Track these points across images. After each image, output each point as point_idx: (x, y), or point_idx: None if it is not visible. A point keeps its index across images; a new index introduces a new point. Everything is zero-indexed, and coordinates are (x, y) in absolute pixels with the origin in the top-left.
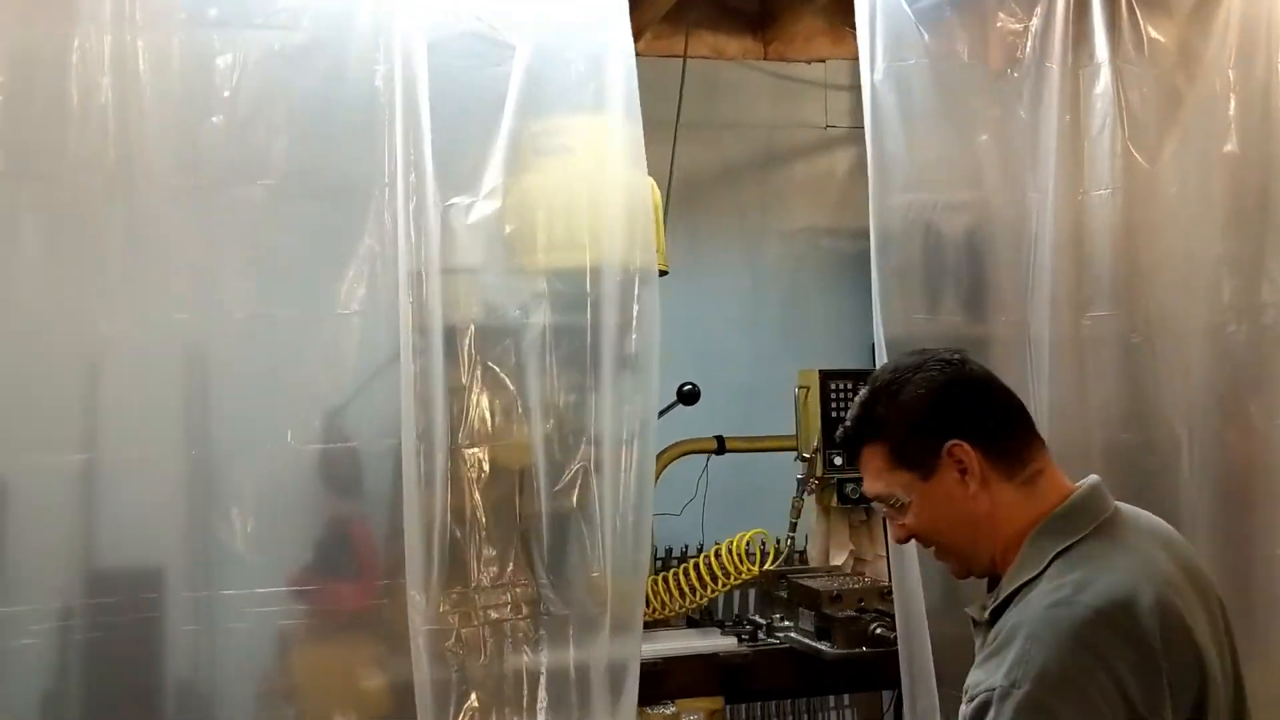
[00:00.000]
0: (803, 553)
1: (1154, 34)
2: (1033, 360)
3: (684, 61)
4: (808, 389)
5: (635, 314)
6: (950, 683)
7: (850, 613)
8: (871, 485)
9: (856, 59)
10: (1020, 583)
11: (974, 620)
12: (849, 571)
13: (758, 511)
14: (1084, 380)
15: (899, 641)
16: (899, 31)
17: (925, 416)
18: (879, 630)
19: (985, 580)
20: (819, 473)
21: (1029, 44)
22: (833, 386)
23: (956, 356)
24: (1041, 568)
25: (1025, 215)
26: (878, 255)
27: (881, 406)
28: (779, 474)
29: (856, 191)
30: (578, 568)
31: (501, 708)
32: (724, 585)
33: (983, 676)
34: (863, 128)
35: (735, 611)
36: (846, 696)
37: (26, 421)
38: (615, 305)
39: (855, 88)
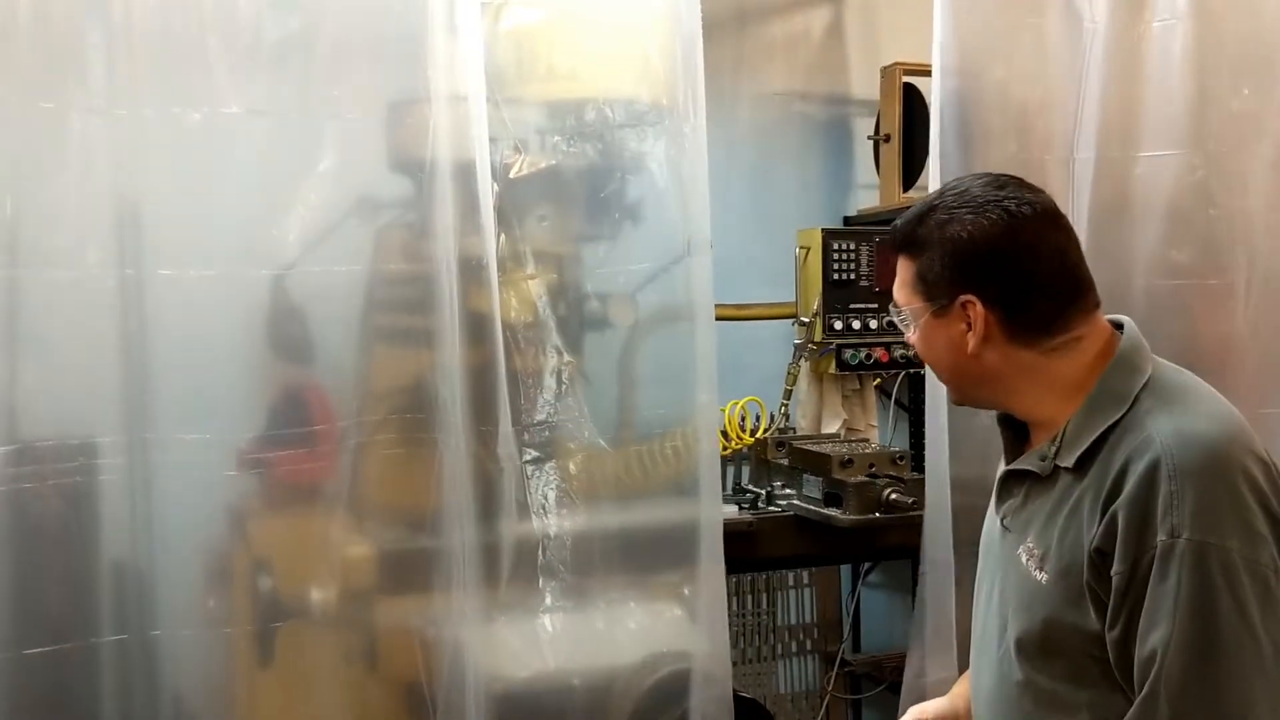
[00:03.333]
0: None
1: None
2: (1074, 195)
3: None
4: (808, 249)
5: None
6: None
7: (862, 478)
8: (896, 291)
9: None
10: (1106, 426)
11: (1020, 475)
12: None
13: (736, 383)
14: (1132, 221)
15: (927, 506)
16: None
17: (957, 260)
18: (894, 496)
19: (1006, 441)
20: (818, 338)
21: None
22: (835, 247)
23: (1025, 209)
24: (1126, 406)
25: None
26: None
27: (927, 228)
28: (755, 345)
29: (831, 55)
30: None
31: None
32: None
33: (1098, 538)
34: None
35: (729, 482)
36: (805, 574)
37: None
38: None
39: None
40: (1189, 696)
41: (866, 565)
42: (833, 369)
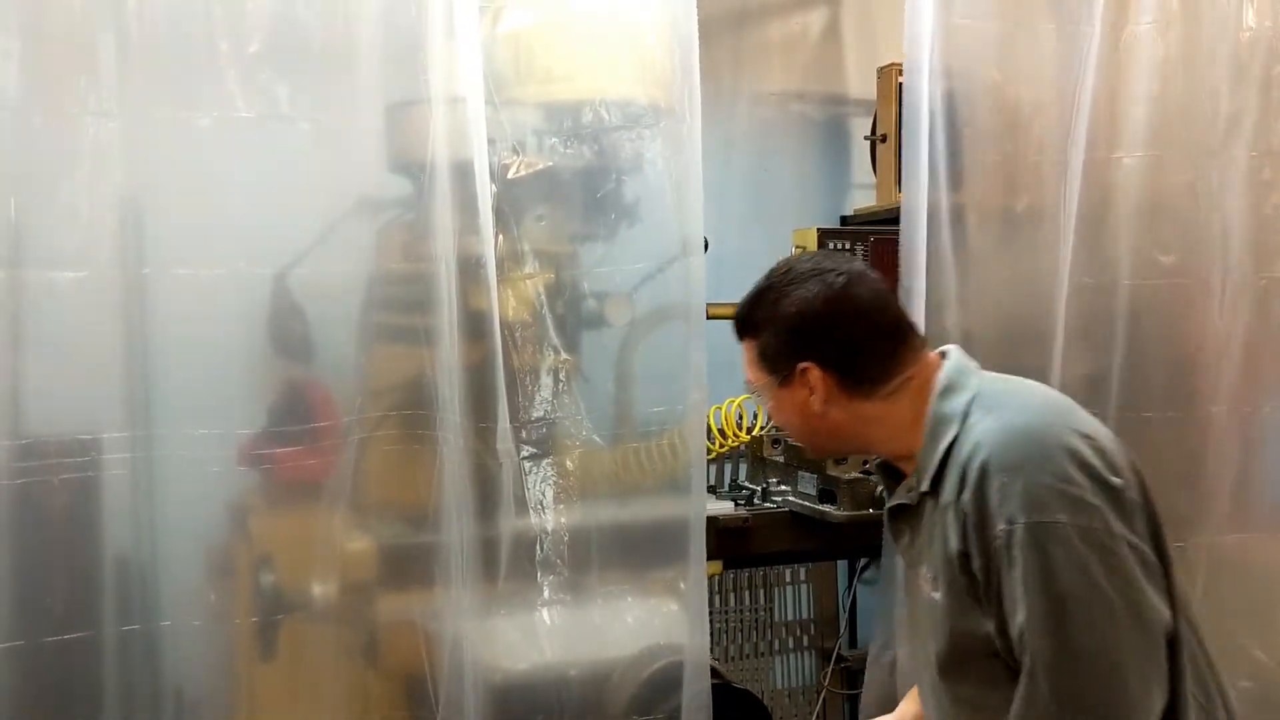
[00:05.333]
0: None
1: None
2: (1066, 198)
3: None
4: (803, 249)
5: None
6: None
7: (855, 474)
8: (746, 371)
9: None
10: (946, 445)
11: (900, 510)
12: None
13: (732, 381)
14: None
15: None
16: None
17: (789, 334)
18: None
19: (881, 483)
20: None
21: None
22: (831, 246)
23: (841, 278)
24: (959, 424)
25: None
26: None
27: (760, 311)
28: None
29: (828, 55)
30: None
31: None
32: (714, 453)
33: (956, 542)
34: None
35: (727, 479)
36: (802, 570)
37: None
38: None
39: None
40: (1059, 668)
41: (863, 561)
42: None
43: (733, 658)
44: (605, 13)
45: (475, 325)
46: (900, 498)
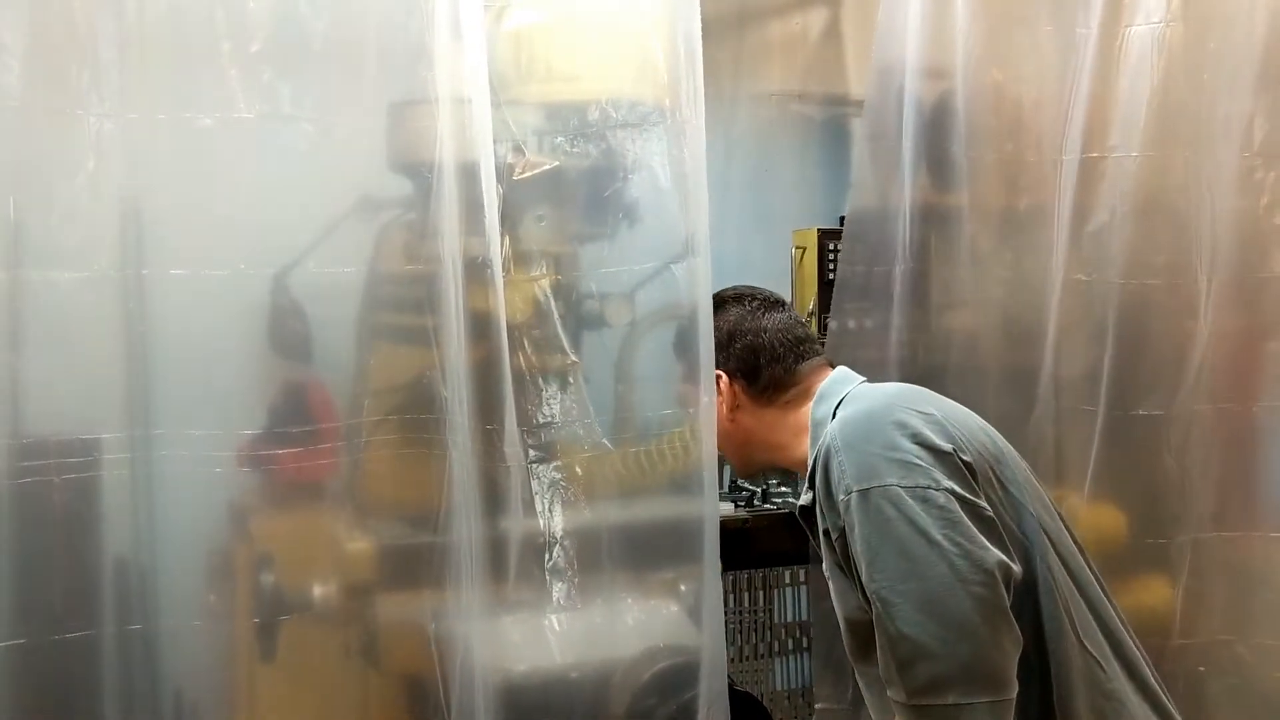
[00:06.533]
0: None
1: None
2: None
3: None
4: (804, 249)
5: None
6: None
7: None
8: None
9: None
10: (819, 447)
11: (803, 513)
12: None
13: None
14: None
15: None
16: None
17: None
18: None
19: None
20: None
21: None
22: (831, 247)
23: (751, 301)
24: (827, 423)
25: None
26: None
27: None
28: None
29: (828, 56)
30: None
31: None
32: None
33: (821, 524)
34: None
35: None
36: (801, 571)
37: None
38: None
39: None
40: (910, 621)
41: None
42: None
43: (732, 660)
44: (609, 10)
45: (480, 327)
46: (802, 500)
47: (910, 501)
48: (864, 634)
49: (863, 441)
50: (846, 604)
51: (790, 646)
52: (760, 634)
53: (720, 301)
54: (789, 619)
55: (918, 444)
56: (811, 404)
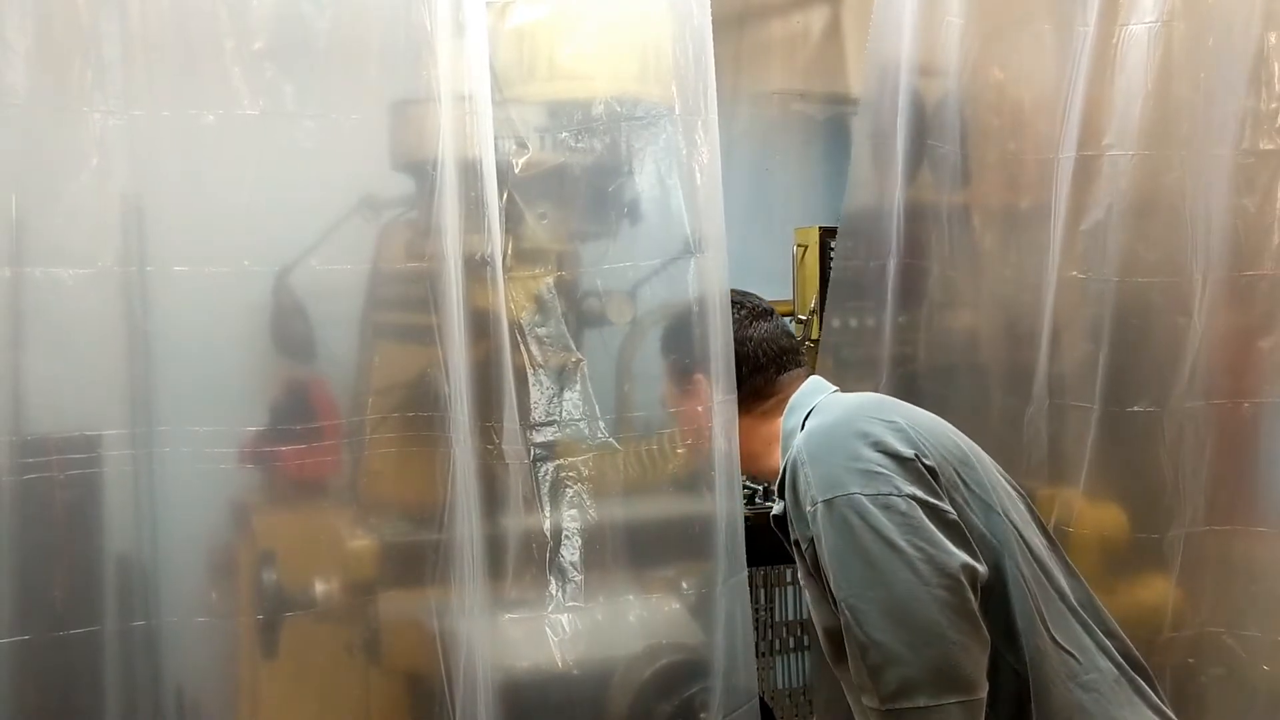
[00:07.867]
0: None
1: None
2: (1057, 184)
3: None
4: (806, 248)
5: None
6: None
7: None
8: (664, 387)
9: None
10: (788, 456)
11: (777, 521)
12: None
13: None
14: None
15: None
16: None
17: None
18: None
19: None
20: (815, 335)
21: None
22: (833, 245)
23: (740, 311)
24: (796, 434)
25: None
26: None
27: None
28: None
29: (829, 54)
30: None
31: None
32: None
33: (794, 534)
34: None
35: None
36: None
37: None
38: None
39: None
40: (878, 627)
41: None
42: (830, 365)
43: None
44: (613, 7)
45: (482, 324)
46: (775, 510)
47: (873, 509)
48: (839, 640)
49: (826, 453)
50: (821, 612)
51: (791, 645)
52: (760, 633)
53: None
54: (789, 617)
55: (880, 451)
56: (784, 413)
